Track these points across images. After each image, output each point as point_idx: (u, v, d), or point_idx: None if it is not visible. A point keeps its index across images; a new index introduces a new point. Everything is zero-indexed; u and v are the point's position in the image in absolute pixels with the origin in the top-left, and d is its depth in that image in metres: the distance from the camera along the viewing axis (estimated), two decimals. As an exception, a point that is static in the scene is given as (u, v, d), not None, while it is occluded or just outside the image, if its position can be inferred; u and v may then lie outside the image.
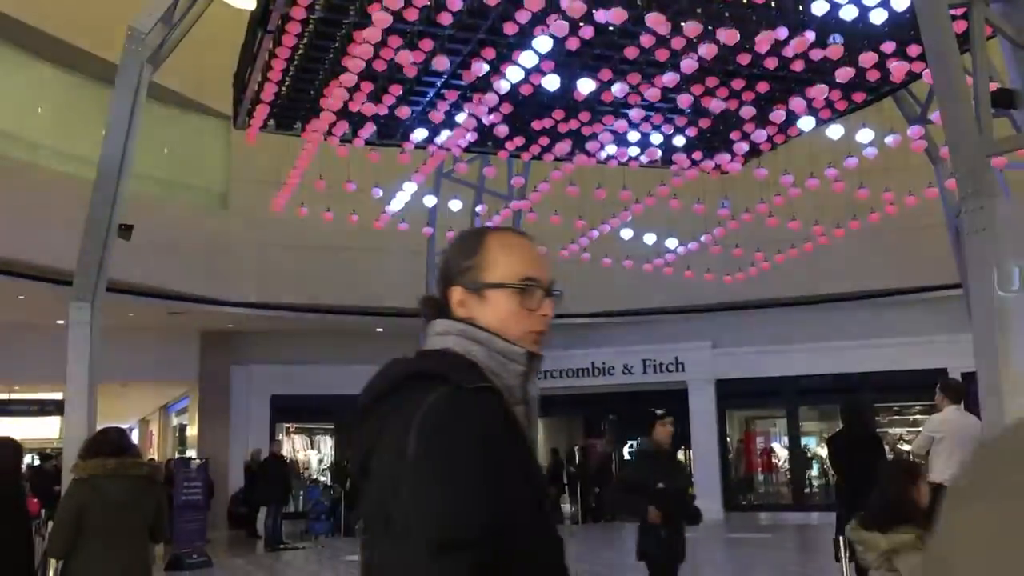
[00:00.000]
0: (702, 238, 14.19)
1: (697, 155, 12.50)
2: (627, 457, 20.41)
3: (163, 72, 9.87)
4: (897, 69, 9.55)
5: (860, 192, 12.18)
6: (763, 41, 9.10)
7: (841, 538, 4.87)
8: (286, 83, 10.30)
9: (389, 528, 1.57)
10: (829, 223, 13.58)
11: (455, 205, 14.70)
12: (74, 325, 8.03)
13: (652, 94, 10.33)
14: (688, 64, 9.20)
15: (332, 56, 9.60)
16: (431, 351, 1.75)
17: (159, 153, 17.04)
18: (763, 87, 10.37)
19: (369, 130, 11.25)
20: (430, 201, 14.79)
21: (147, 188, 16.10)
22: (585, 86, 9.95)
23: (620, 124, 11.04)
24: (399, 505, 1.54)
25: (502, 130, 11.38)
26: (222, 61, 11.60)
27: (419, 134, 11.54)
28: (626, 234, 14.61)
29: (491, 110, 10.63)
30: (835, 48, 9.04)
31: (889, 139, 11.13)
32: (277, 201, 11.90)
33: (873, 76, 10.08)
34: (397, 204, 13.68)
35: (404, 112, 10.55)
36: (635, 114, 10.76)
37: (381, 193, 12.59)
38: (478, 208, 14.91)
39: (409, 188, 13.25)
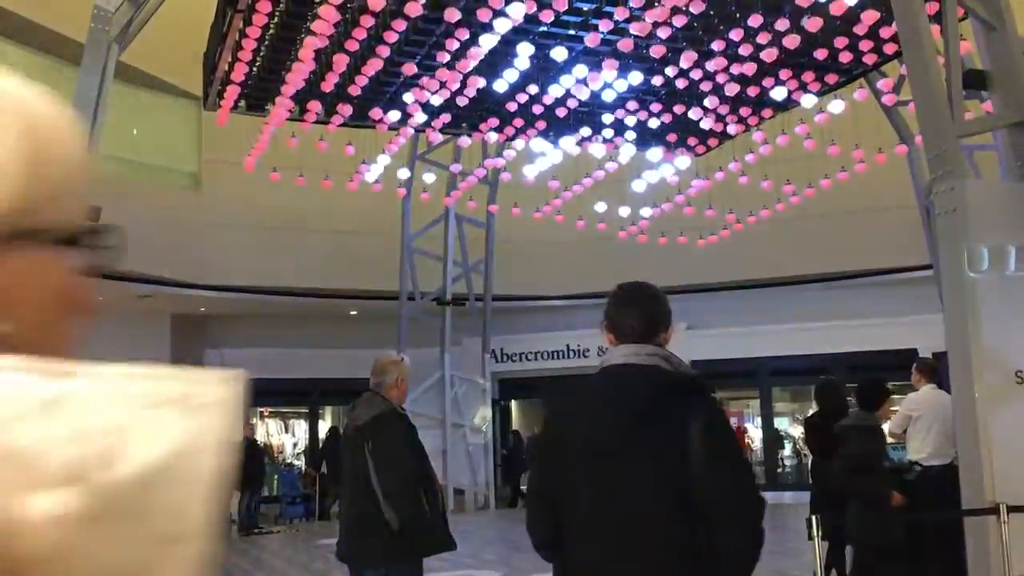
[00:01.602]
0: (676, 198, 14.08)
1: (672, 137, 12.52)
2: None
3: (131, 52, 9.72)
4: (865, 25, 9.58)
5: (831, 149, 12.10)
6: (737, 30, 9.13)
7: (814, 517, 4.90)
8: (257, 63, 10.19)
9: (682, 465, 2.39)
10: (801, 183, 13.47)
11: (429, 178, 14.67)
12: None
13: (629, 78, 10.33)
14: (664, 30, 9.17)
15: (303, 36, 9.50)
16: (651, 366, 2.54)
17: (128, 135, 16.81)
18: (736, 69, 10.39)
19: (343, 109, 11.17)
20: (404, 173, 14.75)
21: (116, 170, 15.89)
22: (558, 53, 9.91)
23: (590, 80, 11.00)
24: (706, 457, 2.40)
25: (475, 111, 11.35)
26: (192, 41, 11.43)
27: (392, 115, 11.44)
28: (600, 207, 14.59)
29: (462, 87, 10.57)
30: (812, 21, 9.03)
31: (856, 94, 11.14)
32: (248, 161, 11.67)
33: (846, 58, 10.13)
34: (372, 176, 13.49)
35: (377, 93, 10.46)
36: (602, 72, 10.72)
37: (354, 151, 12.38)
38: (453, 167, 14.60)
39: (383, 160, 13.08)
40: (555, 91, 10.92)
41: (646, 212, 14.66)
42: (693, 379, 2.58)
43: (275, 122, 11.23)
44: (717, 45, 9.66)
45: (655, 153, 12.79)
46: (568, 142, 12.26)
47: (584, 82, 10.54)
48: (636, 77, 10.63)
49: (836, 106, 11.22)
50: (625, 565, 2.40)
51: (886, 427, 6.90)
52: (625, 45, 9.68)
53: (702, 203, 14.42)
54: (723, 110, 11.62)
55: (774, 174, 13.44)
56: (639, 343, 2.56)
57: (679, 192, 14.21)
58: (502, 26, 9.16)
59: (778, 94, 10.94)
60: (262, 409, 21.88)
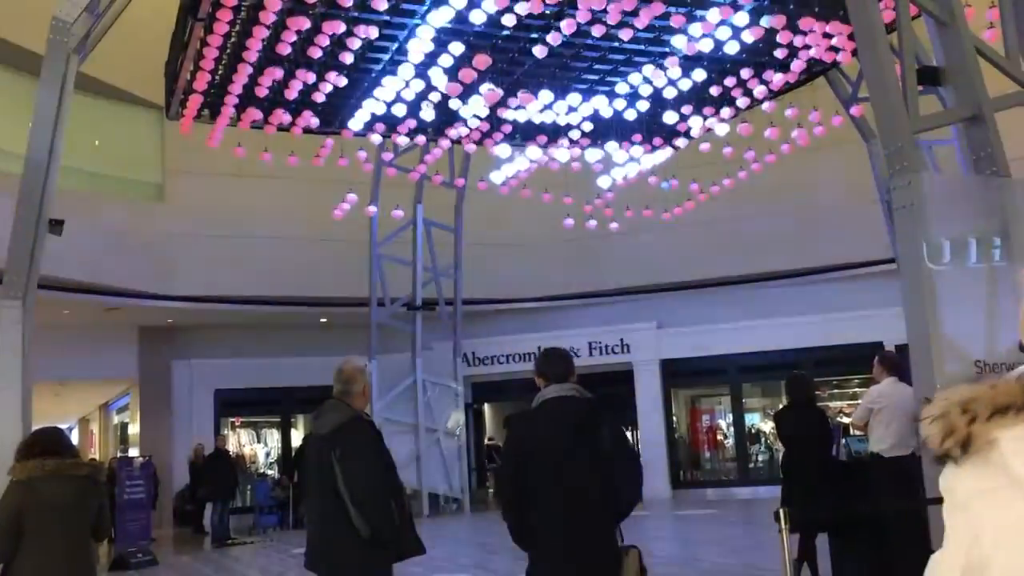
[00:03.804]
0: (637, 172, 13.73)
1: (637, 137, 12.61)
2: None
3: (92, 63, 9.63)
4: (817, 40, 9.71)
5: (789, 111, 12.01)
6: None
7: (782, 510, 4.96)
8: (219, 72, 10.14)
9: (601, 454, 3.96)
10: (761, 150, 13.26)
11: (398, 214, 14.57)
12: (5, 324, 7.81)
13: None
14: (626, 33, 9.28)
15: (265, 43, 9.47)
16: (573, 396, 4.12)
17: (90, 146, 16.64)
18: (699, 75, 10.53)
19: (307, 117, 11.16)
20: (371, 209, 14.70)
21: (79, 182, 15.72)
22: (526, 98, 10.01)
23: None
24: (612, 447, 4.02)
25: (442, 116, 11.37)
26: (153, 50, 11.35)
27: (358, 120, 11.41)
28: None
29: (425, 92, 10.60)
30: (778, 19, 9.16)
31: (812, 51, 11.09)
32: (213, 135, 11.45)
33: (805, 56, 10.27)
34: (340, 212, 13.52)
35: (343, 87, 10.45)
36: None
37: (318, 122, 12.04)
38: (419, 139, 14.19)
39: (351, 199, 13.15)
40: (520, 115, 11.07)
41: (605, 182, 14.30)
42: (599, 402, 4.20)
43: (222, 127, 11.14)
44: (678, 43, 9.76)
45: (621, 155, 12.86)
46: (534, 152, 12.40)
47: (550, 107, 10.78)
48: (601, 101, 10.87)
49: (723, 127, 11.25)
50: (578, 512, 3.94)
51: (848, 420, 6.89)
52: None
53: (666, 173, 14.07)
54: (687, 110, 11.73)
55: (735, 141, 13.17)
56: (561, 383, 4.12)
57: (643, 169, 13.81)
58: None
59: (739, 93, 11.10)
60: (233, 419, 21.72)
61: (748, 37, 9.71)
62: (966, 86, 5.97)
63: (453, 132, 11.96)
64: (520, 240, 19.79)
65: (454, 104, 10.84)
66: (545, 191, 13.91)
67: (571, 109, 11.29)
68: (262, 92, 10.54)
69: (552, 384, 4.09)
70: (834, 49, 10.16)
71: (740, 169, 13.50)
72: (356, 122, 11.20)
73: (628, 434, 23.12)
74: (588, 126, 12.07)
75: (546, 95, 10.78)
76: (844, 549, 7.73)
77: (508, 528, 4.11)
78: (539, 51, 9.59)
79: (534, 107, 11.05)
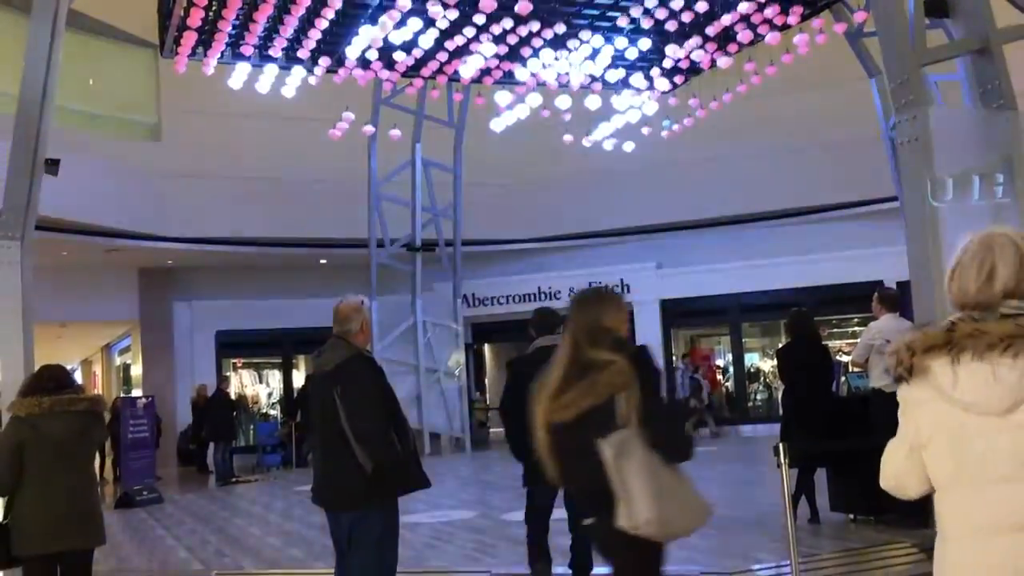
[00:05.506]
0: (638, 90, 13.23)
1: (637, 77, 12.44)
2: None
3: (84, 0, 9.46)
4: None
5: (789, 20, 11.52)
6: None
7: (782, 444, 4.99)
8: (213, 8, 9.96)
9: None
10: (762, 62, 12.68)
11: (395, 133, 14.40)
12: (3, 265, 7.79)
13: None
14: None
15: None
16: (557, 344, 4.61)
17: (84, 85, 16.44)
18: (702, 6, 10.35)
19: (303, 54, 10.99)
20: (368, 128, 14.50)
21: (74, 122, 15.56)
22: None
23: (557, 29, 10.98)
24: None
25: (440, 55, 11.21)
26: (145, -14, 11.15)
27: (355, 48, 11.19)
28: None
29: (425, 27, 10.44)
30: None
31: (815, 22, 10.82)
32: (207, 62, 11.23)
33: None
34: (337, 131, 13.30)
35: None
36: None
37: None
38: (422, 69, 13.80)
39: (347, 116, 12.95)
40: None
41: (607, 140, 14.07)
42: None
43: (215, 56, 10.97)
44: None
45: (622, 100, 12.69)
46: (535, 98, 12.27)
47: (551, 42, 10.63)
48: (598, 40, 10.73)
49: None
50: None
51: (847, 357, 6.87)
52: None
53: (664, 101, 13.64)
54: (689, 46, 11.55)
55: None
56: (551, 335, 5.37)
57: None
58: None
59: (742, 28, 10.92)
60: (235, 360, 21.82)
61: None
62: (974, 17, 5.86)
63: (449, 54, 11.68)
64: (520, 180, 19.67)
65: (451, 38, 10.66)
66: (544, 108, 13.44)
67: (570, 67, 11.17)
68: (257, 28, 10.37)
69: (543, 336, 5.48)
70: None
71: (740, 83, 12.99)
72: (354, 50, 10.97)
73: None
74: (589, 67, 11.90)
75: (547, 54, 10.61)
76: (842, 484, 7.81)
77: (509, 443, 5.44)
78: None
79: (534, 63, 10.84)
